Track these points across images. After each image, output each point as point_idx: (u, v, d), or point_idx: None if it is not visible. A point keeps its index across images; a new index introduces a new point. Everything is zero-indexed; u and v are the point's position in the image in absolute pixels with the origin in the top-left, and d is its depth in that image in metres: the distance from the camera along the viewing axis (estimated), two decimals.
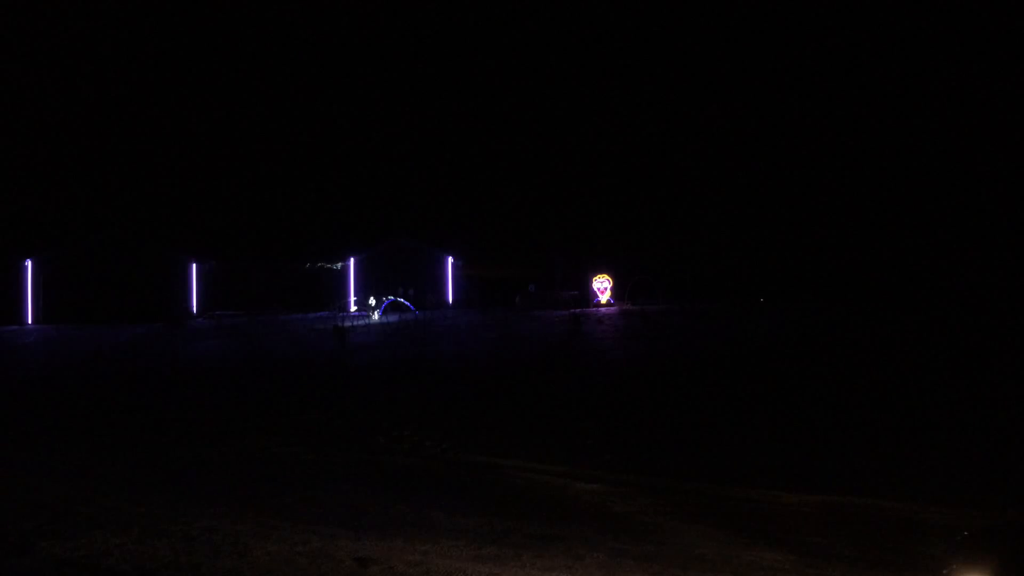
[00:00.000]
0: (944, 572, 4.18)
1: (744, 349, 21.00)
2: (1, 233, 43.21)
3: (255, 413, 13.72)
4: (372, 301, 36.38)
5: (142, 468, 10.01)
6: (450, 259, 44.72)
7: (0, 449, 11.23)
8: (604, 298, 41.56)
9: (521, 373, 17.97)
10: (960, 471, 8.85)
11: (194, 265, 40.66)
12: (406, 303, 36.48)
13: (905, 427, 11.25)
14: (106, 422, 13.35)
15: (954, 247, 45.14)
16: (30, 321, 38.12)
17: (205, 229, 49.08)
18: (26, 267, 38.60)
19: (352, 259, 42.93)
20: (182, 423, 13.01)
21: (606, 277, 42.09)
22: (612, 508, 8.04)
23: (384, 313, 36.16)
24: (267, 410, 13.96)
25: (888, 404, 12.96)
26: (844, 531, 7.16)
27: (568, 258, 45.99)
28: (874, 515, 7.55)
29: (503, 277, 47.15)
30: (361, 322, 33.15)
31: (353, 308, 36.58)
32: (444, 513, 7.83)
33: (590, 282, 42.23)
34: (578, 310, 35.75)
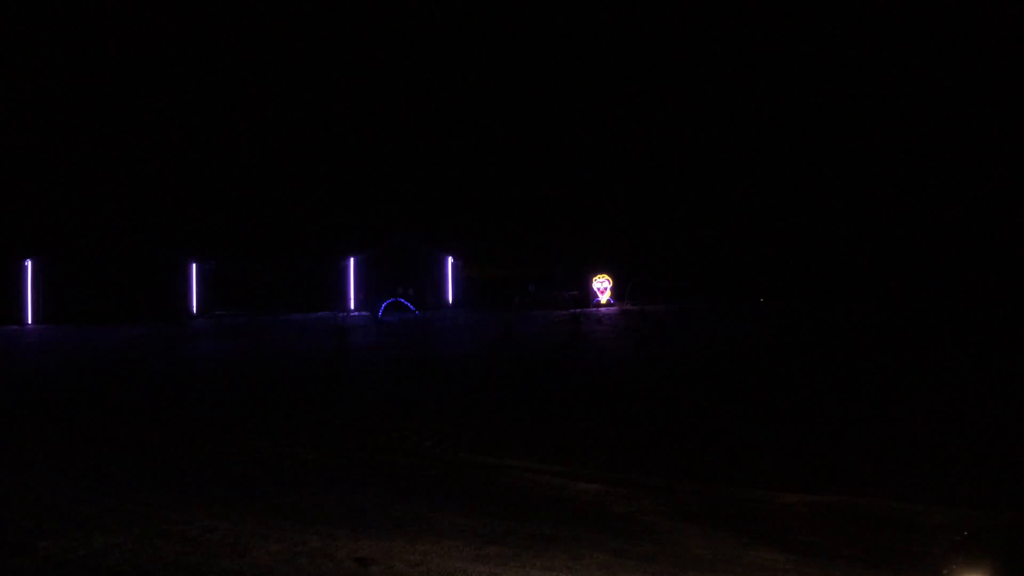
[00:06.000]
0: (944, 572, 4.18)
1: (744, 349, 21.00)
2: (1, 233, 43.20)
3: (255, 413, 13.72)
4: (372, 301, 36.37)
5: (142, 468, 10.00)
6: (450, 259, 44.71)
7: (0, 449, 11.22)
8: (604, 298, 41.55)
9: (521, 373, 17.96)
10: (960, 471, 8.85)
11: (194, 265, 40.67)
12: (406, 303, 36.46)
13: (905, 427, 11.24)
14: (106, 422, 13.34)
15: (953, 246, 45.11)
16: (30, 321, 38.11)
17: (205, 229, 49.09)
18: (26, 267, 38.60)
19: (352, 259, 42.93)
20: (182, 423, 13.00)
21: (606, 277, 42.07)
22: (612, 508, 8.04)
23: (384, 313, 36.15)
24: (267, 410, 13.96)
25: (888, 403, 12.96)
26: (844, 531, 7.15)
27: (568, 258, 46.01)
28: (874, 515, 7.55)
29: (503, 277, 47.18)
30: (361, 322, 33.15)
31: (353, 308, 36.57)
32: (444, 513, 7.82)
33: (590, 282, 42.22)
34: (578, 310, 35.76)
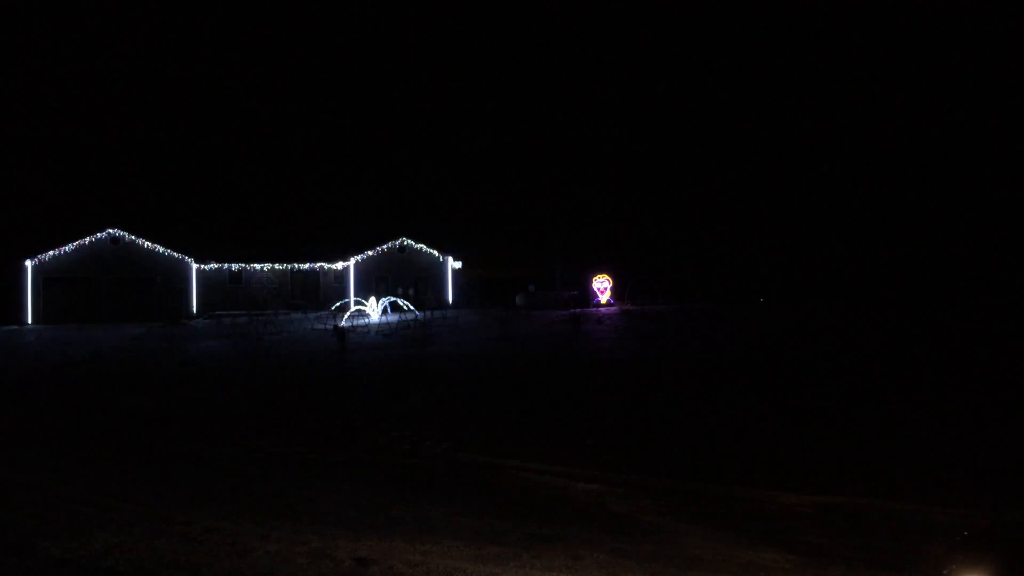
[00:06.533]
0: (944, 572, 4.19)
1: (743, 349, 20.99)
2: (1, 233, 43.22)
3: (255, 413, 13.72)
4: (372, 301, 36.34)
5: (142, 468, 10.01)
6: (450, 259, 44.71)
7: (0, 449, 11.23)
8: (604, 298, 41.54)
9: (521, 373, 17.96)
10: (960, 471, 8.85)
11: (194, 265, 40.66)
12: (406, 303, 36.45)
13: (905, 427, 11.24)
14: (106, 422, 13.35)
15: (953, 247, 45.12)
16: (30, 321, 38.12)
17: (205, 229, 49.12)
18: (26, 267, 38.60)
19: (352, 259, 42.94)
20: (182, 423, 13.01)
21: (606, 277, 42.07)
22: (612, 508, 8.04)
23: (384, 313, 36.14)
24: (267, 410, 13.96)
25: (888, 404, 12.95)
26: (844, 531, 7.15)
27: (568, 258, 46.04)
28: (874, 515, 7.55)
29: (503, 277, 47.23)
30: (361, 322, 33.14)
31: (353, 308, 36.58)
32: (444, 513, 7.82)
33: (590, 282, 42.23)
34: (578, 310, 35.74)
